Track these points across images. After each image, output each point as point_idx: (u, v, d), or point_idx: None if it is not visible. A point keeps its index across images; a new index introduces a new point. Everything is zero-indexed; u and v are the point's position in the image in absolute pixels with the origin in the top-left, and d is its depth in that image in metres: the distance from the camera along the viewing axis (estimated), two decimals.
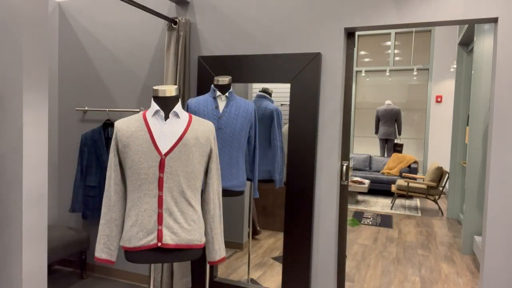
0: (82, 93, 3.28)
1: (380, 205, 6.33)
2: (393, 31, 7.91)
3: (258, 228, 3.00)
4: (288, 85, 2.58)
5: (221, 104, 2.40)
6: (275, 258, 2.98)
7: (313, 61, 2.45)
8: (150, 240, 1.68)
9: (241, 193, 2.45)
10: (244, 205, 2.99)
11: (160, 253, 1.72)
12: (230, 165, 2.37)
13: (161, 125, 1.74)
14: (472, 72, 4.34)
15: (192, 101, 2.42)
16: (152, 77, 3.01)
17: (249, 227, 2.95)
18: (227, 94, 2.39)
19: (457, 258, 3.97)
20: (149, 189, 1.69)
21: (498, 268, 2.16)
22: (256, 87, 2.73)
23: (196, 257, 1.79)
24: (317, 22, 2.49)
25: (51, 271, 3.36)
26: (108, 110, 3.15)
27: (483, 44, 4.09)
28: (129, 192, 1.73)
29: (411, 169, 7.05)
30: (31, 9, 1.84)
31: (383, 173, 7.21)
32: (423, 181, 6.07)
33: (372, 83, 8.31)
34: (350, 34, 2.52)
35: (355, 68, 8.26)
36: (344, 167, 2.55)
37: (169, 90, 1.76)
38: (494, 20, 2.16)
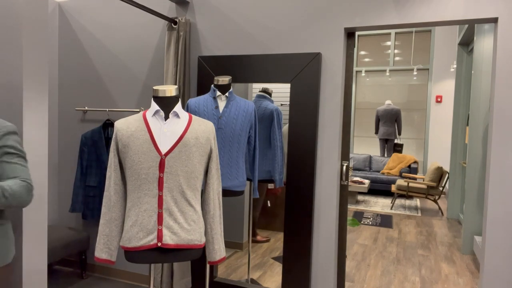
0: (82, 93, 3.28)
1: (380, 205, 6.33)
2: (393, 31, 7.91)
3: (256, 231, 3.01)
4: (288, 85, 2.58)
5: (221, 104, 2.40)
6: (275, 258, 2.98)
7: (313, 61, 2.45)
8: (150, 240, 1.68)
9: (241, 193, 2.45)
10: (244, 205, 2.99)
11: (160, 253, 1.72)
12: (230, 165, 2.37)
13: (161, 125, 1.74)
14: (472, 72, 4.34)
15: (192, 101, 2.42)
16: (152, 77, 3.01)
17: (249, 227, 2.95)
18: (227, 94, 2.39)
19: (457, 258, 3.97)
20: (149, 189, 1.69)
21: (498, 268, 2.16)
22: (256, 87, 2.73)
23: (196, 257, 1.79)
24: (317, 22, 2.49)
25: (51, 271, 3.36)
26: (108, 110, 3.15)
27: (483, 44, 4.09)
28: (129, 192, 1.73)
29: (411, 169, 7.05)
30: (31, 9, 1.84)
31: (383, 173, 7.21)
32: (423, 181, 6.07)
33: (372, 83, 8.31)
34: (350, 34, 2.52)
35: (355, 68, 8.26)
36: (344, 167, 2.55)
37: (169, 90, 1.76)
38: (494, 20, 2.16)
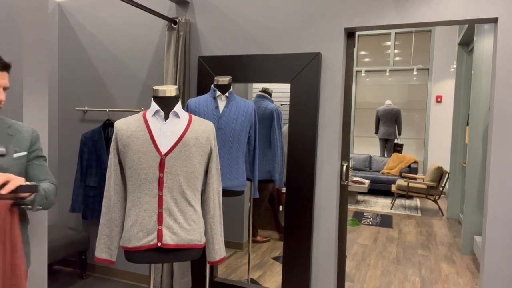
0: (82, 93, 3.28)
1: (380, 205, 6.33)
2: (393, 31, 7.91)
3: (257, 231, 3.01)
4: (288, 85, 2.58)
5: (221, 104, 2.40)
6: (275, 258, 2.98)
7: (313, 61, 2.45)
8: (150, 240, 1.68)
9: (241, 193, 2.45)
10: (244, 205, 2.99)
11: (160, 253, 1.72)
12: (230, 165, 2.37)
13: (161, 125, 1.74)
14: (472, 72, 4.34)
15: (192, 101, 2.42)
16: (152, 77, 3.01)
17: (249, 227, 2.95)
18: (227, 94, 2.39)
19: (457, 258, 3.97)
20: (149, 189, 1.69)
21: (498, 268, 2.16)
22: (256, 87, 2.74)
23: (196, 257, 1.79)
24: (317, 22, 2.49)
25: (51, 271, 3.36)
26: (108, 110, 3.15)
27: (483, 44, 4.09)
28: (129, 192, 1.73)
29: (411, 169, 7.05)
30: (31, 9, 1.84)
31: (383, 173, 7.21)
32: (423, 181, 6.07)
33: (372, 83, 8.32)
34: (350, 34, 2.52)
35: (355, 68, 8.26)
36: (344, 167, 2.55)
37: (169, 90, 1.76)
38: (494, 20, 2.16)
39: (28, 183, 1.30)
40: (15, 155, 1.43)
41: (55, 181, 1.61)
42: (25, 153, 1.50)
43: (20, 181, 1.26)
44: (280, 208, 2.87)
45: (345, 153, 2.56)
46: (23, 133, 1.52)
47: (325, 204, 2.51)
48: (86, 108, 3.27)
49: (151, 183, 1.68)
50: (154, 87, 1.77)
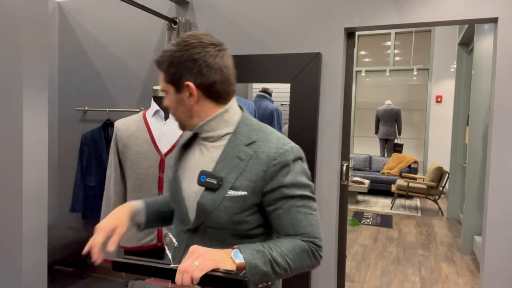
0: (82, 93, 3.28)
1: (380, 205, 6.33)
2: (393, 31, 7.91)
3: None
4: (288, 85, 2.58)
5: None
6: None
7: (313, 61, 2.45)
8: (150, 240, 1.68)
9: None
10: None
11: (160, 253, 1.72)
12: None
13: (161, 125, 1.74)
14: (472, 72, 4.34)
15: None
16: (152, 77, 3.01)
17: None
18: None
19: (457, 258, 3.97)
20: (149, 189, 1.69)
21: (498, 268, 2.16)
22: (256, 87, 2.73)
23: None
24: (317, 22, 2.49)
25: (51, 271, 3.36)
26: (108, 110, 3.15)
27: (483, 44, 4.09)
28: (129, 192, 1.73)
29: (411, 169, 7.05)
30: (31, 9, 1.84)
31: (383, 173, 7.21)
32: (423, 181, 6.07)
33: (372, 83, 8.32)
34: (350, 34, 2.52)
35: (355, 68, 8.26)
36: (344, 167, 2.54)
37: None
38: (494, 20, 2.16)
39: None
40: (230, 192, 0.94)
41: (317, 234, 1.05)
42: (244, 193, 0.95)
43: (210, 257, 0.81)
44: None
45: (345, 153, 2.56)
46: (260, 158, 0.95)
47: (325, 204, 2.51)
48: (86, 108, 3.27)
49: (151, 183, 1.68)
50: (154, 87, 1.77)
